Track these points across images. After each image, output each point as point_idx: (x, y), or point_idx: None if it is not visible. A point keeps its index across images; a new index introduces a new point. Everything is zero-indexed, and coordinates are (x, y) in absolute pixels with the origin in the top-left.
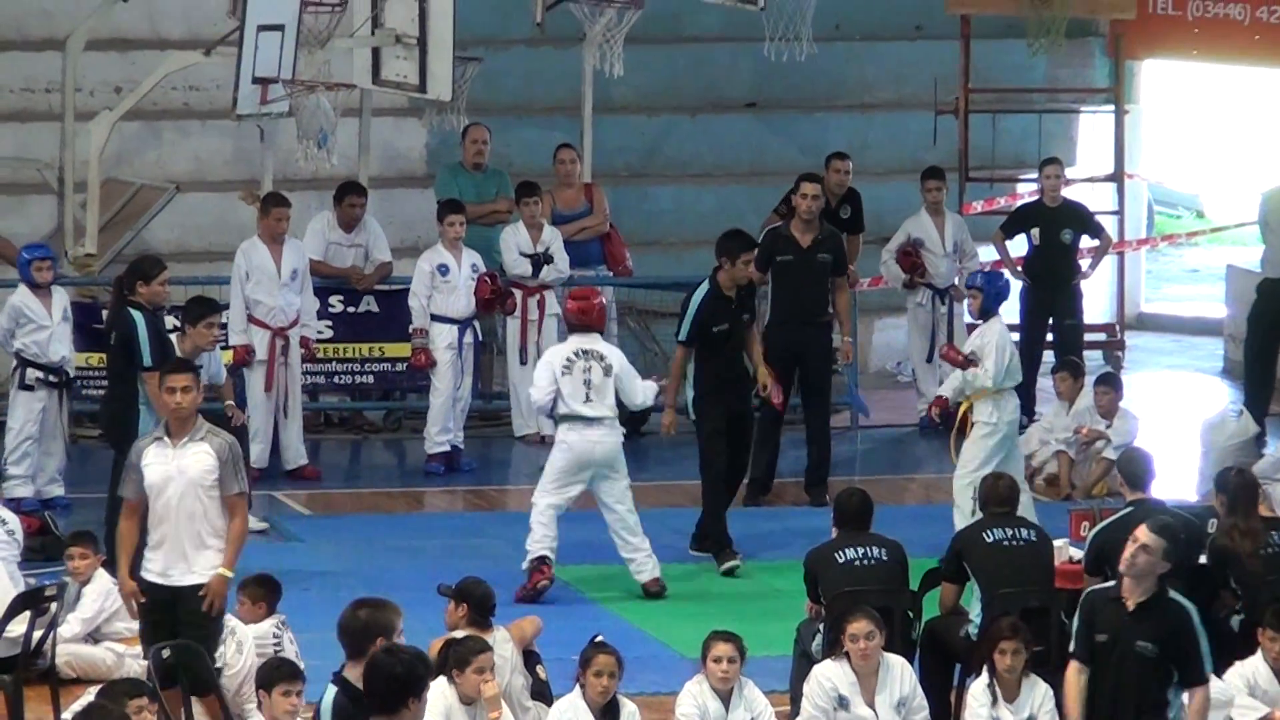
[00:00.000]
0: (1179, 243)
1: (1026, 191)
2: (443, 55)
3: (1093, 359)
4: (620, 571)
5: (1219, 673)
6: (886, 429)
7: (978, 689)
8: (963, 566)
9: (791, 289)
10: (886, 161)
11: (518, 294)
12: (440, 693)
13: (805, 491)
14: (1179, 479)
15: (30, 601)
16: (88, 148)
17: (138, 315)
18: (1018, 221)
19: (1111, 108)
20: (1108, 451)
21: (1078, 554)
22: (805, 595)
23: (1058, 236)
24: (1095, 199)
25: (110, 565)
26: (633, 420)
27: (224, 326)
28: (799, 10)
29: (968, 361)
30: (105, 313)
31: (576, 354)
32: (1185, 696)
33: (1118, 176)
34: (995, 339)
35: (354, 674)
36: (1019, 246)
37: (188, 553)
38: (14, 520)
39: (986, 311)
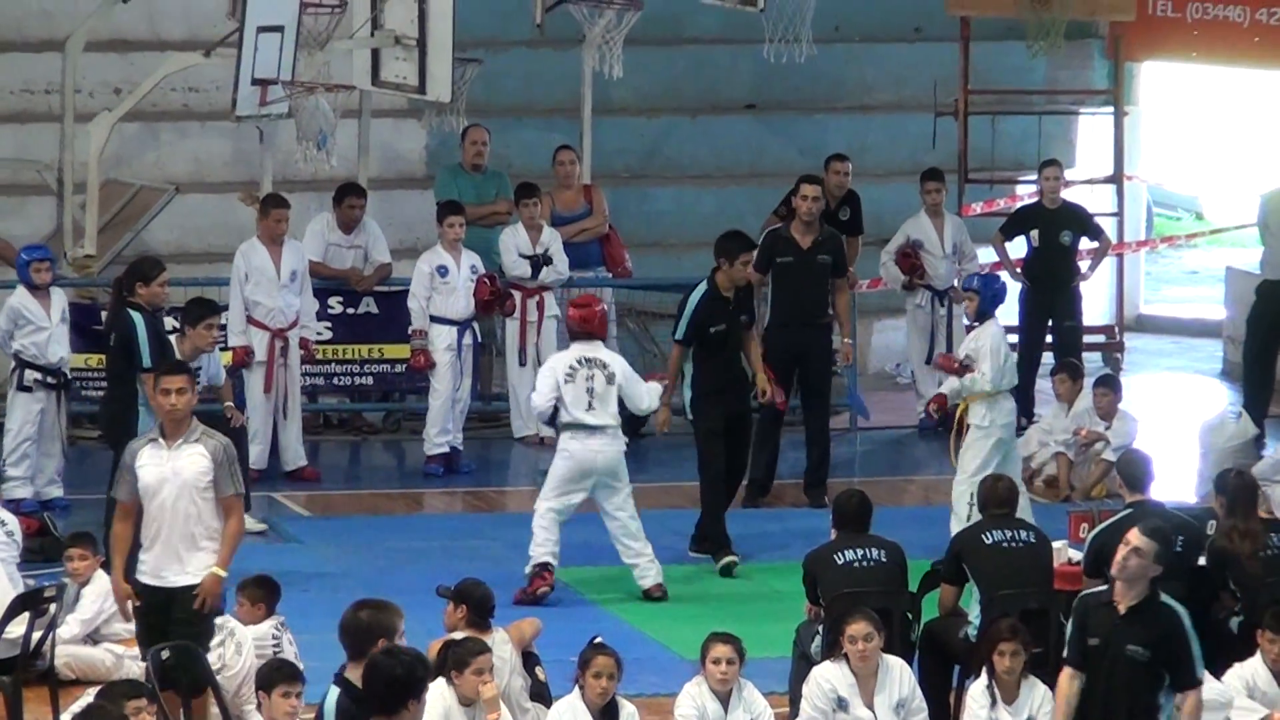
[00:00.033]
0: (1178, 244)
1: (1026, 193)
2: (442, 57)
3: (1092, 361)
4: (619, 573)
5: (1218, 674)
6: (886, 430)
7: (977, 690)
8: (962, 568)
9: (792, 291)
10: (886, 163)
11: (517, 295)
12: (439, 694)
13: (804, 493)
14: (1178, 481)
15: (29, 602)
16: (87, 149)
17: (137, 316)
18: (1017, 223)
19: (1111, 109)
20: (1107, 453)
21: (1077, 556)
22: (804, 597)
23: (1057, 238)
24: (1094, 201)
25: (109, 566)
26: (632, 422)
27: (223, 328)
28: (798, 12)
29: (963, 368)
30: (105, 314)
31: (579, 362)
32: (1177, 699)
33: (1117, 178)
34: (990, 341)
35: (355, 675)
36: (1018, 248)
37: (182, 554)
38: (13, 521)
39: (983, 314)
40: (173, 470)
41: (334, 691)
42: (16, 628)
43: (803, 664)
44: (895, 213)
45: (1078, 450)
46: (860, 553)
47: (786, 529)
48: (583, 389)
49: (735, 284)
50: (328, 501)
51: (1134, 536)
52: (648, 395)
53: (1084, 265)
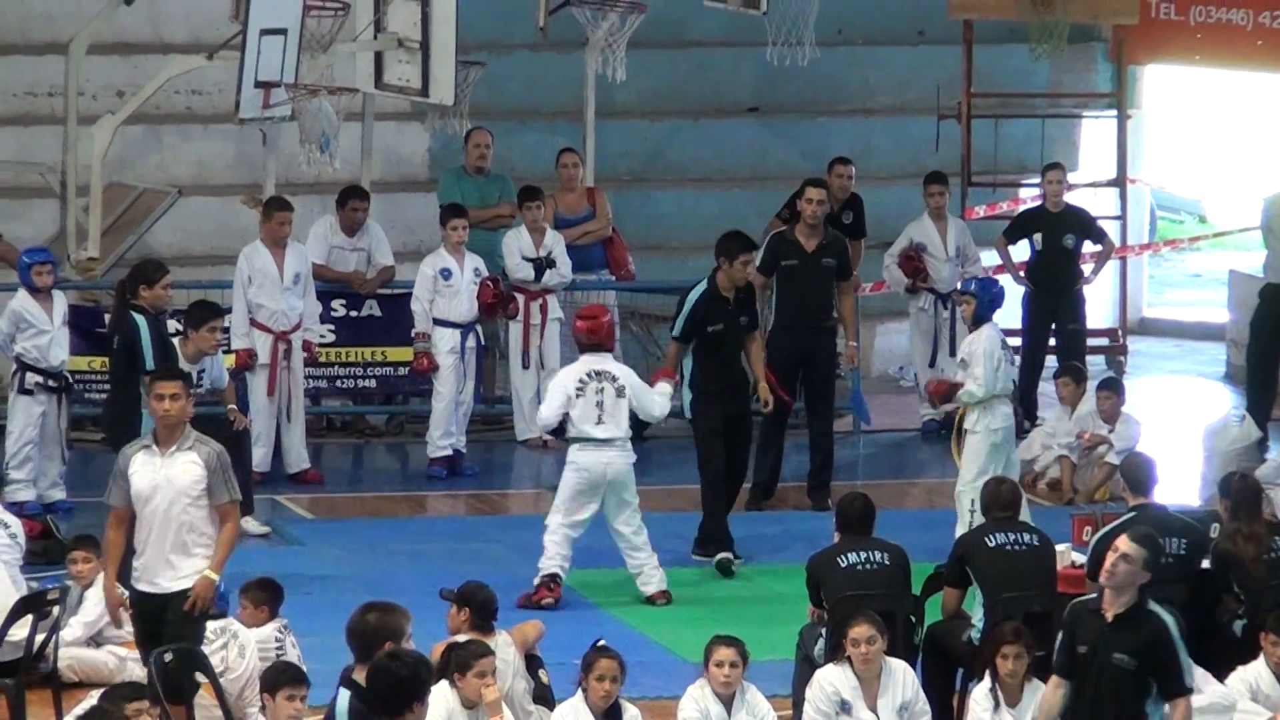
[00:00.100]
0: (1181, 248)
1: (1029, 196)
2: (445, 60)
3: (1095, 364)
4: (623, 576)
5: (1221, 678)
6: (889, 434)
7: (980, 694)
8: (965, 571)
9: (796, 294)
10: (889, 166)
11: (520, 298)
12: (442, 697)
13: (808, 496)
14: (1181, 484)
15: (32, 605)
16: (90, 152)
17: (140, 319)
18: (1020, 227)
19: (1114, 113)
20: (1110, 456)
21: (1080, 559)
22: (807, 599)
23: (1060, 241)
24: (1098, 204)
25: None
26: (635, 425)
27: (226, 331)
28: (801, 15)
29: (952, 389)
30: (107, 316)
31: (589, 375)
32: (1166, 708)
33: (1120, 181)
34: (985, 345)
35: (363, 677)
36: (1021, 252)
37: (174, 561)
38: (16, 524)
39: (980, 318)
40: (165, 478)
41: (345, 694)
42: (20, 630)
43: (806, 667)
44: (898, 216)
45: (1081, 453)
46: (863, 556)
47: (789, 532)
48: (592, 403)
49: (735, 284)
50: (331, 504)
51: (1123, 543)
52: (659, 404)
53: (1087, 268)
